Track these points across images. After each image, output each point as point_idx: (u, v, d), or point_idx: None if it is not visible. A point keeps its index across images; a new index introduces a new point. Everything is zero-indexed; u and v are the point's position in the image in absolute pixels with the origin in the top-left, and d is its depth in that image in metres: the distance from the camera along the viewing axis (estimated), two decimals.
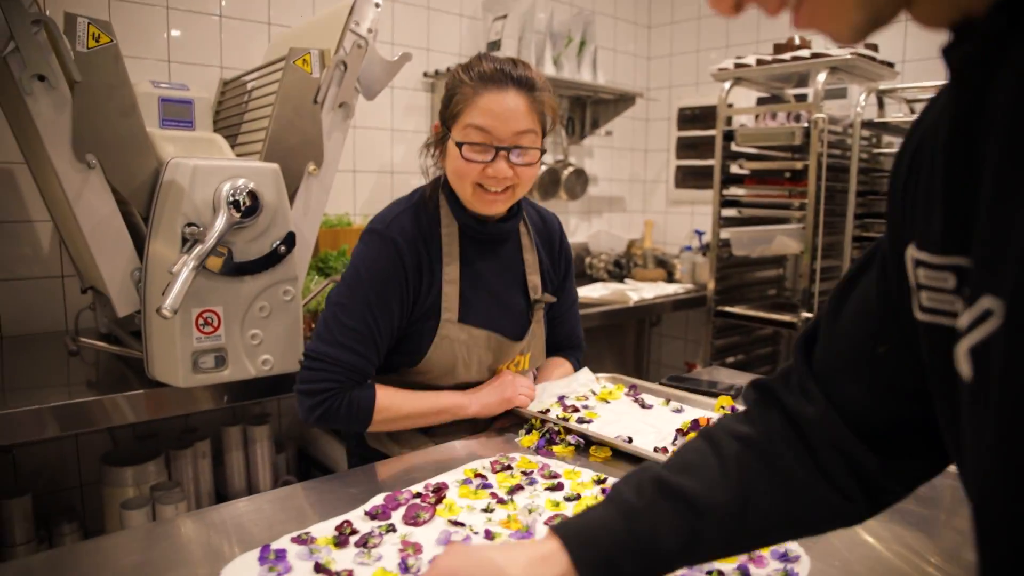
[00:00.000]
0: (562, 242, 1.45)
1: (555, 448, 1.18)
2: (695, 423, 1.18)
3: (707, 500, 0.64)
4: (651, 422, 1.27)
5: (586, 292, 2.81)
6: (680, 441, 1.14)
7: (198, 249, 1.32)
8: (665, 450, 1.12)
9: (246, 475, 2.18)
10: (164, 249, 1.37)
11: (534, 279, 1.37)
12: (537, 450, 1.17)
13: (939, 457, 0.63)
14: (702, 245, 3.25)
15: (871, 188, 2.51)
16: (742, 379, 1.61)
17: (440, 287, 1.26)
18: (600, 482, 1.04)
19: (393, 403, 1.22)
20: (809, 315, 2.46)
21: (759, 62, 2.52)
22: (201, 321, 1.40)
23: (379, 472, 1.10)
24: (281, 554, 0.81)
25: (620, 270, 3.24)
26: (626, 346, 3.51)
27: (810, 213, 2.40)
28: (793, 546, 0.86)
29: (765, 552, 0.84)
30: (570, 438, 1.19)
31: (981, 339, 0.40)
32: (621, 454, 1.15)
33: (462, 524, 0.90)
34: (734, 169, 2.70)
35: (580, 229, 3.44)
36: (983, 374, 0.41)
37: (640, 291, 2.89)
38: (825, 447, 0.64)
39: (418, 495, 0.97)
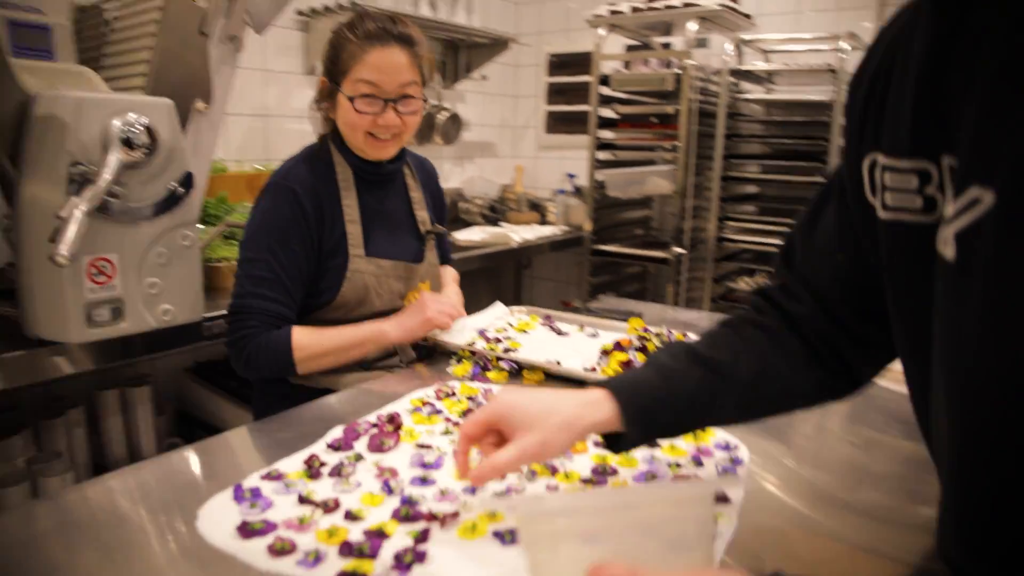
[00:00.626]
0: (437, 184, 1.55)
1: (489, 375, 1.21)
2: (617, 344, 1.26)
3: (731, 369, 0.73)
4: (572, 347, 1.33)
5: (466, 236, 2.84)
6: (604, 361, 1.22)
7: (90, 191, 1.20)
8: (594, 369, 1.19)
9: (127, 442, 2.04)
10: (42, 192, 1.24)
11: (422, 214, 1.46)
12: (473, 378, 1.20)
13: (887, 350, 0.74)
14: (575, 188, 3.37)
15: (736, 131, 2.70)
16: (636, 306, 1.73)
17: (343, 227, 1.31)
18: None
19: (311, 340, 1.24)
20: (681, 250, 2.64)
21: (634, 10, 2.61)
22: (93, 270, 1.28)
23: (313, 412, 1.08)
24: (256, 491, 0.79)
25: (495, 214, 3.29)
26: (504, 288, 3.60)
27: (682, 155, 2.55)
28: (731, 438, 0.96)
29: (710, 444, 0.94)
30: (503, 364, 1.23)
31: (968, 223, 0.48)
32: (552, 377, 1.20)
33: (430, 447, 0.92)
34: (607, 114, 2.81)
35: (454, 175, 3.44)
36: (967, 254, 0.49)
37: (519, 233, 2.96)
38: (815, 338, 0.75)
39: (375, 425, 0.98)
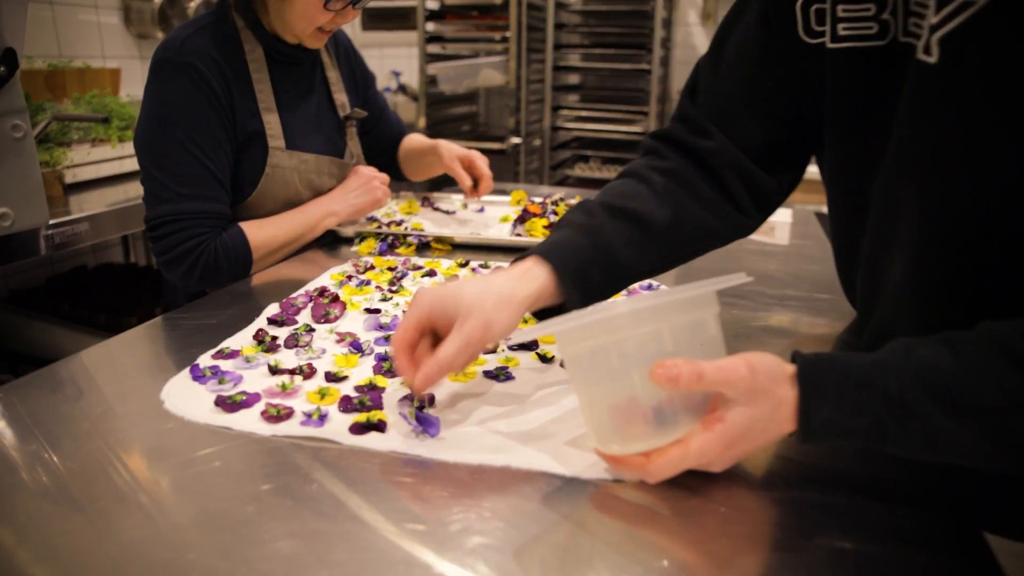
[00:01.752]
0: (355, 53, 1.38)
1: (399, 250, 1.17)
2: (525, 211, 1.25)
3: (649, 217, 0.72)
4: (472, 221, 1.34)
5: None
6: (520, 229, 1.22)
7: None
8: (519, 235, 1.20)
9: None
10: None
11: (340, 97, 1.30)
12: (381, 254, 1.15)
13: (802, 169, 0.80)
14: (400, 85, 3.23)
15: (564, 22, 2.72)
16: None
17: (257, 115, 1.14)
18: (464, 264, 1.08)
19: (266, 235, 1.12)
20: (518, 140, 2.66)
21: None
22: None
23: (231, 299, 0.97)
24: (216, 369, 0.71)
25: None
26: None
27: (513, 46, 2.53)
28: (655, 282, 1.01)
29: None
30: (411, 238, 1.19)
31: (956, 25, 0.52)
32: (461, 247, 1.19)
33: (377, 310, 0.88)
34: (432, 6, 2.69)
35: None
36: (954, 55, 0.52)
37: None
38: (726, 172, 0.75)
39: (311, 299, 0.91)
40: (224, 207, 1.10)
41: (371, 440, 0.60)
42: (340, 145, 1.29)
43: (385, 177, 1.29)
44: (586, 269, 0.69)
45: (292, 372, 0.71)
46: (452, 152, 1.37)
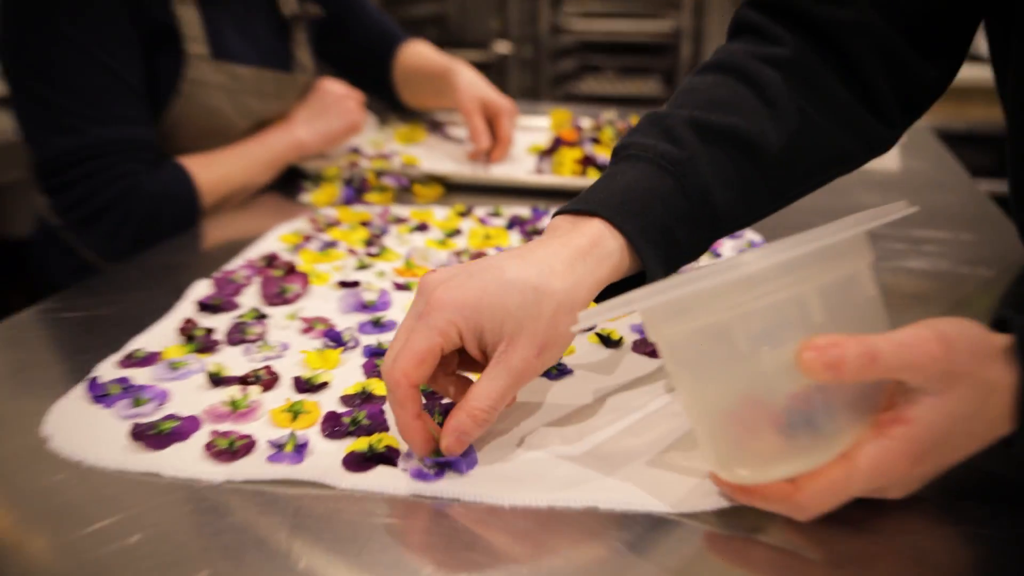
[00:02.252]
0: None
1: (369, 197, 1.06)
2: (557, 140, 1.14)
3: (761, 140, 0.62)
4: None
5: None
6: (547, 163, 1.12)
7: None
8: (540, 172, 1.10)
9: None
10: None
11: None
12: (347, 202, 1.04)
13: (965, 51, 0.70)
14: None
15: None
16: None
17: (168, 6, 1.01)
18: (465, 213, 0.98)
19: (215, 174, 1.03)
20: (505, 48, 2.54)
21: None
22: None
23: (134, 277, 0.86)
24: (126, 383, 0.61)
25: None
26: None
27: None
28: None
29: None
30: (387, 180, 1.08)
31: None
32: (456, 187, 1.09)
33: (355, 283, 0.78)
34: None
35: None
36: None
37: None
38: (868, 57, 0.65)
39: (257, 272, 0.80)
40: (150, 132, 1.00)
41: (379, 479, 0.50)
42: (284, 55, 1.17)
43: (359, 95, 1.20)
44: (673, 227, 0.59)
45: (244, 381, 0.61)
46: (474, 92, 1.22)
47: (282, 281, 0.77)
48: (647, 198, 0.59)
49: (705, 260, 0.63)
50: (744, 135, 0.62)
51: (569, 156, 1.08)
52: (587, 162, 1.08)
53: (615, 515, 0.47)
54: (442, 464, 0.51)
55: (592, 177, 1.07)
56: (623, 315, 0.47)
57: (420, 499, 0.49)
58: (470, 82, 1.24)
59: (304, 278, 0.77)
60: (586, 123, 1.27)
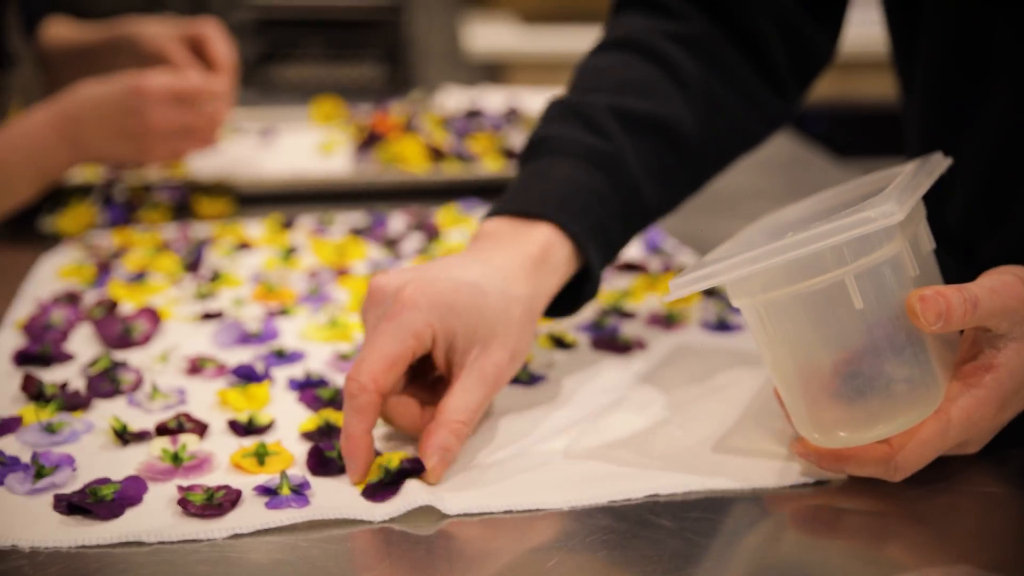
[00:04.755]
0: None
1: (142, 216, 1.09)
2: (373, 131, 1.25)
3: (680, 126, 0.78)
4: (248, 156, 1.31)
5: None
6: (368, 156, 1.23)
7: None
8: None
9: None
10: None
11: None
12: (114, 226, 1.06)
13: (842, 24, 0.89)
14: None
15: None
16: None
17: None
18: (288, 225, 1.05)
19: None
20: None
21: None
22: None
23: None
24: (9, 458, 0.62)
25: None
26: None
27: None
28: None
29: None
30: (161, 194, 1.12)
31: None
32: (256, 201, 1.16)
33: (218, 314, 0.84)
34: None
35: None
36: None
37: None
38: (767, 29, 0.82)
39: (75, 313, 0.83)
40: None
41: (414, 497, 0.57)
42: None
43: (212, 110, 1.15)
44: (608, 226, 0.73)
45: (166, 432, 0.65)
46: (161, 29, 1.23)
47: (126, 321, 0.80)
48: (586, 197, 0.72)
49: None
50: (664, 122, 0.77)
51: (410, 148, 1.19)
52: (436, 153, 1.20)
53: (670, 504, 0.58)
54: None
55: (447, 169, 1.20)
56: (723, 282, 0.58)
57: (477, 518, 0.57)
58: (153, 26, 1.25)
59: (153, 314, 0.81)
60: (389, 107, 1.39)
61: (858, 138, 1.72)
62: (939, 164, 0.63)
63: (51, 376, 0.74)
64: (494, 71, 2.64)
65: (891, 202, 0.53)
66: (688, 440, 0.65)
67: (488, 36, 2.64)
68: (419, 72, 2.85)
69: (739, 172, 1.29)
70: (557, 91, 0.83)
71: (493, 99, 1.45)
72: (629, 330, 0.82)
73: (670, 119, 0.77)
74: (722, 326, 0.82)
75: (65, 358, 0.77)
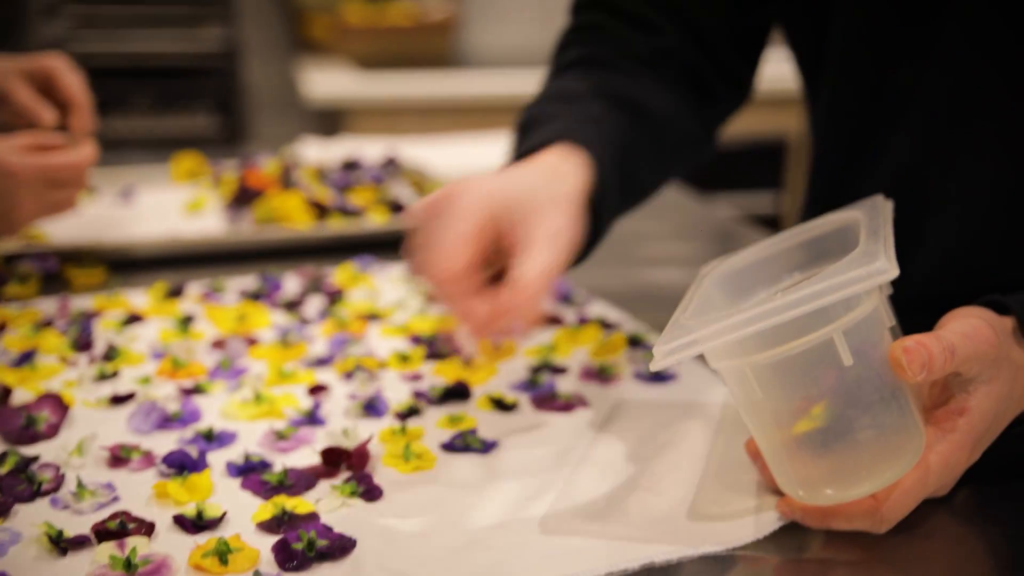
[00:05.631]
0: None
1: (9, 291, 1.01)
2: (244, 187, 1.22)
3: (645, 110, 0.83)
4: (111, 217, 1.21)
5: None
6: (244, 215, 1.18)
7: None
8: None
9: None
10: None
11: None
12: None
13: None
14: None
15: None
16: None
17: None
18: (176, 293, 0.99)
19: None
20: None
21: None
22: None
23: None
24: None
25: None
26: None
27: None
28: None
29: None
30: (31, 263, 1.05)
31: None
32: (127, 267, 1.09)
33: (129, 396, 0.77)
34: None
35: None
36: None
37: None
38: (685, 75, 0.89)
39: None
40: None
41: None
42: None
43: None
44: (611, 174, 0.77)
45: (110, 534, 0.59)
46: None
47: (26, 410, 0.73)
48: (603, 130, 0.78)
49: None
50: (638, 102, 0.83)
51: (291, 204, 1.14)
52: (320, 208, 1.15)
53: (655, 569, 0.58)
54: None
55: (332, 225, 1.16)
56: (713, 347, 0.58)
57: None
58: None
59: (57, 401, 0.75)
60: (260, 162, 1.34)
61: (721, 173, 1.80)
62: (886, 209, 0.64)
63: None
64: (332, 118, 2.60)
65: (881, 258, 0.54)
66: (662, 505, 0.65)
67: (325, 82, 2.60)
68: (254, 121, 2.79)
69: (624, 217, 1.32)
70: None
71: (370, 150, 1.41)
72: (565, 386, 0.81)
73: (642, 100, 0.84)
74: (656, 377, 0.81)
75: None
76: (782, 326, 0.55)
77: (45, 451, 0.70)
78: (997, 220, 0.76)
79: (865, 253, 0.56)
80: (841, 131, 0.88)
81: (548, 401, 0.77)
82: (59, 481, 0.66)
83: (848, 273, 0.54)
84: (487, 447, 0.71)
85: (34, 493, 0.65)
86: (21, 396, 0.78)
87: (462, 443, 0.71)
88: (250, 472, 0.67)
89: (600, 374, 0.82)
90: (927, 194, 0.78)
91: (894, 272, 0.53)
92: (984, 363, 0.58)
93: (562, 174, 0.71)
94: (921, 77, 0.79)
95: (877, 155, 0.82)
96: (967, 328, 0.58)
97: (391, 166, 1.31)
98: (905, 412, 0.57)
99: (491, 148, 1.58)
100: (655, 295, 1.04)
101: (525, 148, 0.75)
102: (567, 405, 0.77)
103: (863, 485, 0.57)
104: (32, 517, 0.62)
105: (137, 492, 0.65)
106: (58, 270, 1.06)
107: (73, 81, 1.13)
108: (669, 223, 1.32)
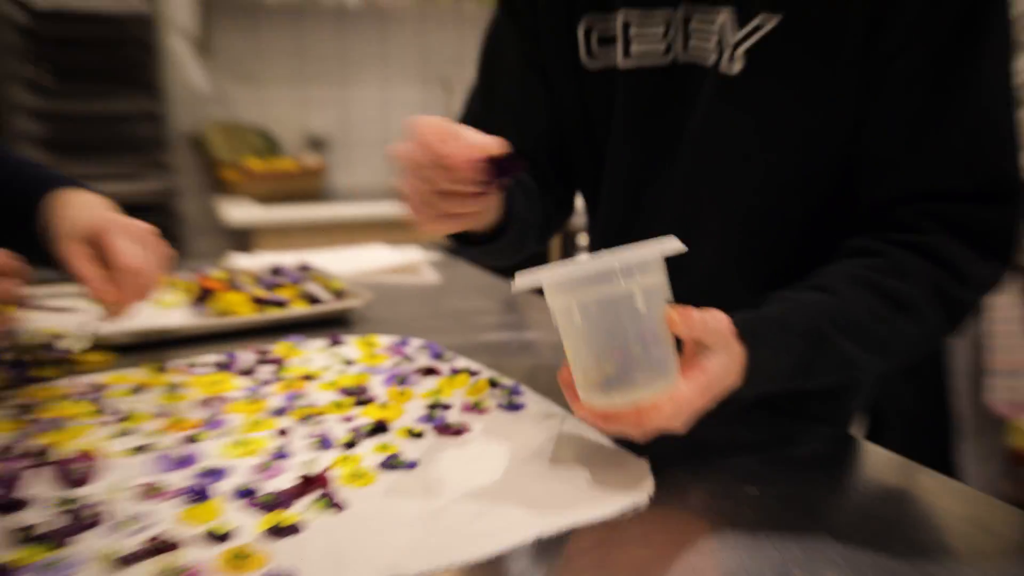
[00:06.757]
0: None
1: (40, 372, 0.91)
2: (204, 288, 1.14)
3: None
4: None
5: None
6: (203, 309, 1.11)
7: None
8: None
9: None
10: None
11: None
12: (16, 385, 0.88)
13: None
14: None
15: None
16: None
17: None
18: (161, 369, 0.92)
19: None
20: None
21: None
22: None
23: None
24: None
25: None
26: None
27: None
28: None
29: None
30: (57, 351, 0.95)
31: (755, 41, 0.74)
32: (131, 350, 1.01)
33: (146, 447, 0.71)
34: None
35: None
36: (755, 65, 0.74)
37: None
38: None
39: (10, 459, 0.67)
40: None
41: None
42: None
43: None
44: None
45: (155, 552, 0.55)
46: (70, 227, 0.83)
47: (71, 464, 0.66)
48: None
49: None
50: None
51: (238, 299, 1.10)
52: (259, 302, 1.11)
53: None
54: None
55: (269, 312, 1.11)
56: (554, 279, 0.61)
57: None
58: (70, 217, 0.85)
59: (88, 456, 0.68)
60: (209, 272, 1.26)
61: None
62: (674, 241, 0.64)
63: (14, 520, 0.60)
64: (244, 237, 2.52)
65: (673, 240, 0.60)
66: (545, 487, 0.65)
67: (237, 212, 2.51)
68: (189, 241, 2.66)
69: (461, 299, 1.32)
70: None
71: (286, 259, 1.36)
72: (453, 417, 0.80)
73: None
74: (512, 406, 0.81)
75: (18, 505, 0.62)
76: (601, 280, 0.59)
77: (88, 492, 0.64)
78: (726, 274, 0.84)
79: (659, 239, 0.61)
80: (609, 236, 0.92)
81: (444, 429, 0.76)
82: (98, 514, 0.60)
83: (650, 247, 0.60)
84: (410, 465, 0.69)
85: (81, 526, 0.59)
86: (58, 453, 0.70)
87: (392, 463, 0.69)
88: (248, 495, 0.63)
89: (475, 407, 0.81)
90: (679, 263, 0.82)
91: (681, 248, 0.60)
92: (718, 339, 0.62)
93: None
94: (662, 195, 0.85)
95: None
96: (715, 312, 0.63)
97: (305, 270, 1.27)
98: (668, 355, 0.61)
99: (366, 256, 1.56)
100: (493, 349, 1.03)
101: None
102: (458, 430, 0.76)
103: (634, 394, 0.60)
104: (87, 545, 0.57)
105: (165, 518, 0.60)
106: (67, 357, 0.97)
107: (122, 243, 0.80)
108: (494, 300, 1.34)
